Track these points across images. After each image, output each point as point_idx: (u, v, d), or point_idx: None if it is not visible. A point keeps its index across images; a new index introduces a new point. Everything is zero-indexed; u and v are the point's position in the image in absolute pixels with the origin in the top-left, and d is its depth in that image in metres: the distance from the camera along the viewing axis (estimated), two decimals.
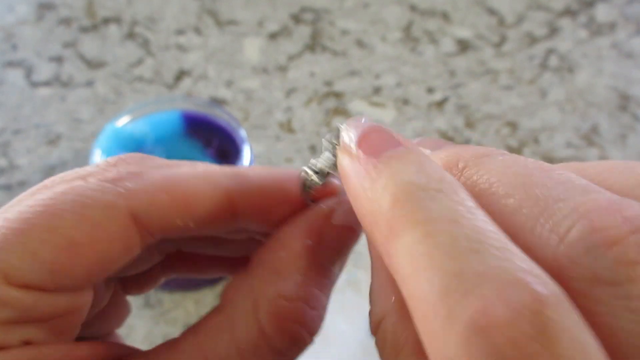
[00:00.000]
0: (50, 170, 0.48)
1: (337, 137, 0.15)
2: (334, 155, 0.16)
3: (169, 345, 0.17)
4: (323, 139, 0.16)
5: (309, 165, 0.17)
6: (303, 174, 0.17)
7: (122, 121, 0.41)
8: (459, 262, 0.11)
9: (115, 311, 0.22)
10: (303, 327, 0.16)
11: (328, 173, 0.17)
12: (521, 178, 0.13)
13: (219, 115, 0.42)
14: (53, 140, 0.50)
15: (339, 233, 0.18)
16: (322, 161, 0.17)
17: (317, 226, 0.17)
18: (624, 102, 0.53)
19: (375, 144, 0.14)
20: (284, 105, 0.52)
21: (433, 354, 0.11)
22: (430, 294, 0.11)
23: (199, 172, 0.17)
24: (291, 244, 0.17)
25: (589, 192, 0.12)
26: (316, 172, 0.17)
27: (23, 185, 0.48)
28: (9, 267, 0.15)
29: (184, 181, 0.17)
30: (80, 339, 0.20)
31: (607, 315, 0.11)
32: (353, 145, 0.14)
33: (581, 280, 0.11)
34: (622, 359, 0.11)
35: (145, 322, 0.40)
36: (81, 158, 0.49)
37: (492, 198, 0.13)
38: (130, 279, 0.21)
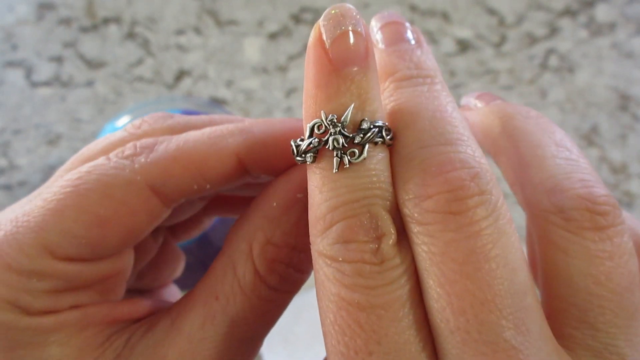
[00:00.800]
0: (50, 170, 0.48)
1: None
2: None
3: (187, 295, 0.19)
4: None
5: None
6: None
7: (122, 121, 0.41)
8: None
9: (167, 260, 0.24)
10: (291, 268, 0.18)
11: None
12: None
13: None
14: (53, 140, 0.50)
15: None
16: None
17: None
18: (624, 102, 0.53)
19: (345, 51, 0.16)
20: (284, 105, 0.52)
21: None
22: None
23: (206, 136, 0.18)
24: (283, 195, 0.18)
25: (451, 144, 0.16)
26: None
27: (23, 185, 0.48)
28: (52, 243, 0.17)
29: (193, 149, 0.18)
30: (137, 291, 0.24)
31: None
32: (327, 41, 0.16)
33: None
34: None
35: None
36: None
37: None
38: (177, 226, 0.24)
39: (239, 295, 0.18)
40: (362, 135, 0.16)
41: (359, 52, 0.16)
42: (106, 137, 0.20)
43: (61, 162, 0.49)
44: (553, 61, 0.55)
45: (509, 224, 0.15)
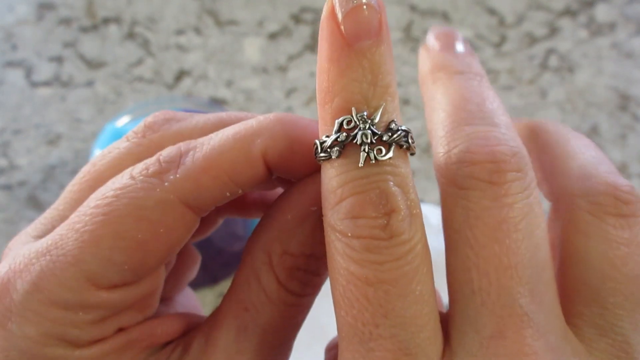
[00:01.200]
0: (50, 170, 0.48)
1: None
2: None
3: (216, 310, 0.19)
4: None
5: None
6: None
7: (122, 121, 0.41)
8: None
9: (185, 262, 0.24)
10: (307, 273, 0.18)
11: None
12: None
13: None
14: (53, 140, 0.50)
15: None
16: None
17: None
18: (624, 102, 0.53)
19: (362, 27, 0.16)
20: (284, 105, 0.52)
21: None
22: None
23: (232, 139, 0.18)
24: (298, 208, 0.18)
25: (483, 122, 0.17)
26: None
27: (23, 185, 0.48)
28: (93, 274, 0.17)
29: (221, 155, 0.18)
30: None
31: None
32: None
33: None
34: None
35: None
36: (81, 158, 0.49)
37: None
38: None
39: (267, 305, 0.18)
40: (390, 134, 0.16)
41: (372, 26, 0.16)
42: (110, 150, 0.19)
43: (61, 162, 0.49)
44: (553, 61, 0.55)
45: (537, 204, 0.17)
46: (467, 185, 0.16)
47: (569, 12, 0.59)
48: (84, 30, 0.56)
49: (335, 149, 0.16)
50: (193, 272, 0.24)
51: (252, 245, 0.19)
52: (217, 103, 0.51)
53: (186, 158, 0.18)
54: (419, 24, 0.58)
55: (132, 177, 0.17)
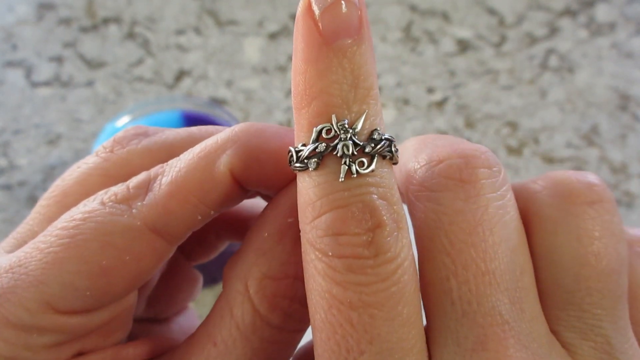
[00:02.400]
0: (50, 170, 0.48)
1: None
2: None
3: (189, 339, 0.18)
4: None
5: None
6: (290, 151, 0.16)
7: (122, 121, 0.41)
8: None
9: (181, 284, 0.22)
10: (295, 301, 0.17)
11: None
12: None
13: (219, 115, 0.42)
14: (53, 140, 0.50)
15: None
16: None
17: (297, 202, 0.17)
18: (624, 102, 0.53)
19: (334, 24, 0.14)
20: (284, 105, 0.52)
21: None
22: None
23: (196, 158, 0.17)
24: (273, 223, 0.17)
25: (452, 144, 0.16)
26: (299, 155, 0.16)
27: (23, 185, 0.48)
28: (53, 297, 0.16)
29: (186, 177, 0.17)
30: (150, 321, 0.22)
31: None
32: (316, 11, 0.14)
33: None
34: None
35: None
36: (81, 158, 0.49)
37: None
38: (188, 247, 0.22)
39: (239, 340, 0.17)
40: (372, 145, 0.15)
41: (352, 23, 0.14)
42: (79, 165, 0.19)
43: (61, 162, 0.49)
44: (553, 61, 0.55)
45: (513, 206, 0.16)
46: (437, 186, 0.15)
47: (569, 12, 0.59)
48: (84, 30, 0.56)
49: (313, 160, 0.15)
50: (193, 294, 0.23)
51: (228, 275, 0.17)
52: (217, 103, 0.51)
53: (154, 184, 0.17)
54: (419, 24, 0.58)
55: (102, 203, 0.17)
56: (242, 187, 0.17)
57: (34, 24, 0.57)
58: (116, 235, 0.16)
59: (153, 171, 0.17)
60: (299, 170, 0.15)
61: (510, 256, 0.15)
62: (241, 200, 0.18)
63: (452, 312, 0.15)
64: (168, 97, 0.52)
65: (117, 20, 0.57)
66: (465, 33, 0.57)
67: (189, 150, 0.17)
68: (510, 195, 0.16)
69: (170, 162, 0.17)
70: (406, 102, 0.53)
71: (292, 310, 0.17)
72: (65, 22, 0.57)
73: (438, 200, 0.15)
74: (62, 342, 0.17)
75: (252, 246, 0.17)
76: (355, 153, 0.15)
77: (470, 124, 0.51)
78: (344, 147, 0.15)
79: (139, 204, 0.17)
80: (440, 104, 0.53)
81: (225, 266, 0.18)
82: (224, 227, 0.22)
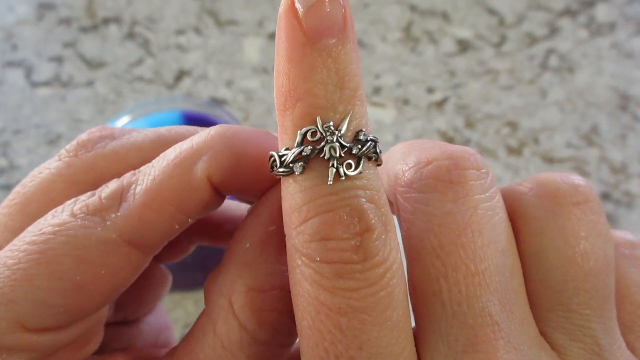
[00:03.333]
0: None
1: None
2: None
3: (171, 353, 0.17)
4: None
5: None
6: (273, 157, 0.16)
7: (122, 121, 0.41)
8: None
9: (150, 285, 0.22)
10: (282, 315, 0.16)
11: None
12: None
13: (219, 115, 0.42)
14: (53, 140, 0.50)
15: None
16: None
17: (280, 209, 0.16)
18: (624, 102, 0.53)
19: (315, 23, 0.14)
20: None
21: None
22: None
23: (172, 165, 0.16)
24: (255, 232, 0.16)
25: (440, 147, 0.16)
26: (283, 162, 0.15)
27: None
28: (24, 316, 0.15)
29: (162, 186, 0.16)
30: (118, 324, 0.21)
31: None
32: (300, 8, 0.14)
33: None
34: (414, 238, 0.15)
35: None
36: None
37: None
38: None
39: (225, 358, 0.16)
40: (359, 147, 0.14)
41: (336, 22, 0.14)
42: (41, 171, 0.18)
43: None
44: (553, 61, 0.55)
45: (501, 208, 0.16)
46: (425, 188, 0.15)
47: (569, 12, 0.59)
48: (84, 30, 0.56)
49: (299, 163, 0.14)
50: (162, 293, 0.22)
51: (210, 290, 0.17)
52: (217, 103, 0.51)
53: (128, 193, 0.16)
54: (419, 24, 0.58)
55: (73, 215, 0.16)
56: (219, 193, 0.17)
57: (34, 24, 0.57)
58: (90, 249, 0.15)
59: (125, 179, 0.16)
60: (284, 175, 0.15)
61: (500, 257, 0.15)
62: (219, 205, 0.17)
63: (442, 313, 0.15)
64: (168, 97, 0.52)
65: (117, 20, 0.57)
66: (465, 33, 0.57)
67: (162, 155, 0.17)
68: (498, 197, 0.16)
69: (142, 169, 0.16)
70: (406, 102, 0.53)
71: (281, 324, 0.16)
72: (65, 22, 0.57)
73: (427, 202, 0.15)
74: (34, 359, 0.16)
75: (234, 259, 0.16)
76: (343, 155, 0.14)
77: (470, 124, 0.51)
78: (331, 149, 0.14)
79: (113, 215, 0.16)
80: (440, 104, 0.53)
81: (206, 281, 0.17)
82: (196, 230, 0.21)
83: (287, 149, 0.15)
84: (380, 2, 0.59)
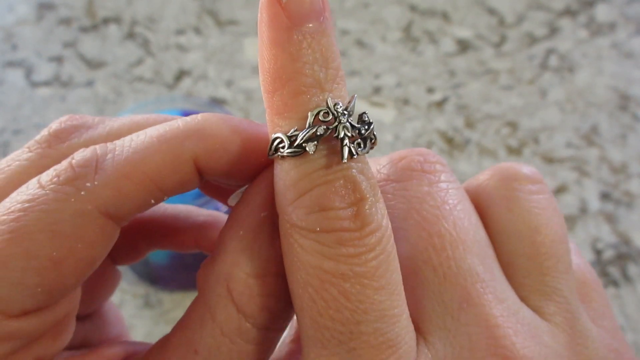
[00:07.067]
0: None
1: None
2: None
3: (162, 343, 0.17)
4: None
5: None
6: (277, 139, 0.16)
7: None
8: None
9: (104, 283, 0.21)
10: (279, 299, 0.16)
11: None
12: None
13: None
14: None
15: None
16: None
17: (271, 195, 0.16)
18: (624, 102, 0.53)
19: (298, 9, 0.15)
20: None
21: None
22: None
23: (156, 142, 0.16)
24: (248, 219, 0.16)
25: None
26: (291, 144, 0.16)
27: None
28: (2, 301, 0.14)
29: (145, 159, 0.16)
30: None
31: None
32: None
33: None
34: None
35: (145, 322, 0.40)
36: None
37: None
38: (117, 252, 0.21)
39: (224, 345, 0.16)
40: (366, 128, 0.16)
41: (317, 6, 0.15)
42: (9, 163, 0.17)
43: None
44: (553, 61, 0.55)
45: (467, 199, 0.18)
46: (403, 177, 0.18)
47: (569, 12, 0.59)
48: (84, 30, 0.56)
49: (312, 143, 0.15)
50: (114, 288, 0.22)
51: (206, 278, 0.16)
52: (217, 103, 0.51)
53: (104, 162, 0.15)
54: (419, 24, 0.58)
55: (42, 187, 0.15)
56: (200, 175, 0.17)
57: (34, 24, 0.57)
58: (65, 222, 0.15)
59: (99, 148, 0.16)
60: (292, 156, 0.15)
61: (475, 229, 0.17)
62: (196, 187, 0.17)
63: (434, 278, 0.16)
64: (168, 97, 0.52)
65: (117, 20, 0.57)
66: (465, 33, 0.57)
67: (143, 131, 0.16)
68: (463, 191, 0.18)
69: (118, 141, 0.16)
70: (406, 102, 0.53)
71: (278, 308, 0.16)
72: (65, 22, 0.57)
73: (405, 187, 0.17)
74: (17, 349, 0.15)
75: (228, 247, 0.16)
76: (354, 135, 0.15)
77: (470, 124, 0.51)
78: (345, 129, 0.15)
79: (88, 184, 0.15)
80: (440, 104, 0.53)
81: (199, 271, 0.17)
82: (156, 236, 0.21)
83: (295, 130, 0.15)
84: (380, 2, 0.59)
